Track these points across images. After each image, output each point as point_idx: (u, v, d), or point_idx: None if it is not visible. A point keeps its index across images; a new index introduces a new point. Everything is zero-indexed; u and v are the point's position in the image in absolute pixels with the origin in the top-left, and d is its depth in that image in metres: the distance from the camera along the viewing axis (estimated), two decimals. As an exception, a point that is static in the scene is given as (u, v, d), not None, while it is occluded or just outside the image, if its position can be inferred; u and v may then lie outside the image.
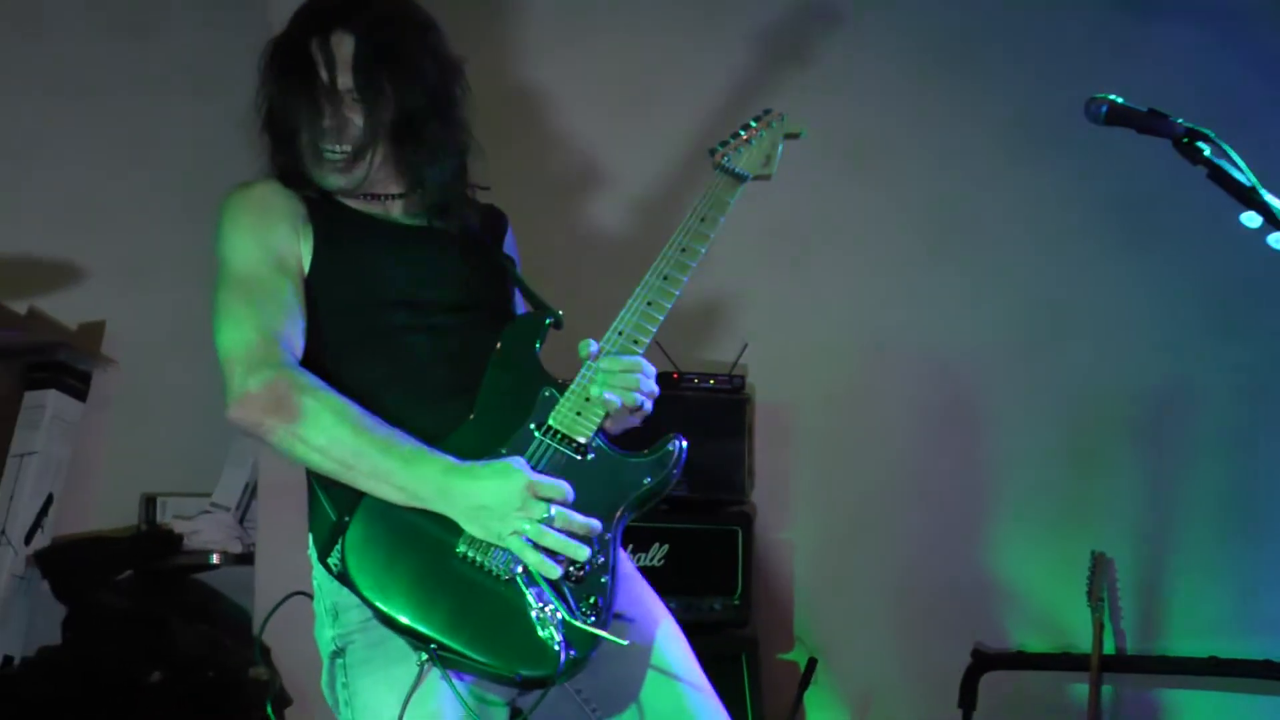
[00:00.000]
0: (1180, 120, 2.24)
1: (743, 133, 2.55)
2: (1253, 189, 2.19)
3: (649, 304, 2.33)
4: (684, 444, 2.31)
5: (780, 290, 4.12)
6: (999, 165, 4.15)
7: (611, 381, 2.27)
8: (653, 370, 2.32)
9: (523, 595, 2.15)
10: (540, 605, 2.14)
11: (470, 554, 2.18)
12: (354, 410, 2.20)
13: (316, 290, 2.35)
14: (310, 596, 2.31)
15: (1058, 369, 4.12)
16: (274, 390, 2.20)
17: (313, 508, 2.31)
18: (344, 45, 2.36)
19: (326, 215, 2.39)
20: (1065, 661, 3.97)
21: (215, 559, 4.40)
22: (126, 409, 4.61)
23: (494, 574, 2.17)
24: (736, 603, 3.75)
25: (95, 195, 4.65)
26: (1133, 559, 3.97)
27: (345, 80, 2.36)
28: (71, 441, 4.46)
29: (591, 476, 2.25)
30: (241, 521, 4.48)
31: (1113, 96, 2.27)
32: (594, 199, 4.15)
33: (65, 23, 4.66)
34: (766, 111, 2.58)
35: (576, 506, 2.21)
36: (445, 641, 2.13)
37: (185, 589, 4.45)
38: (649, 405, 2.32)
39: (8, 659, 4.22)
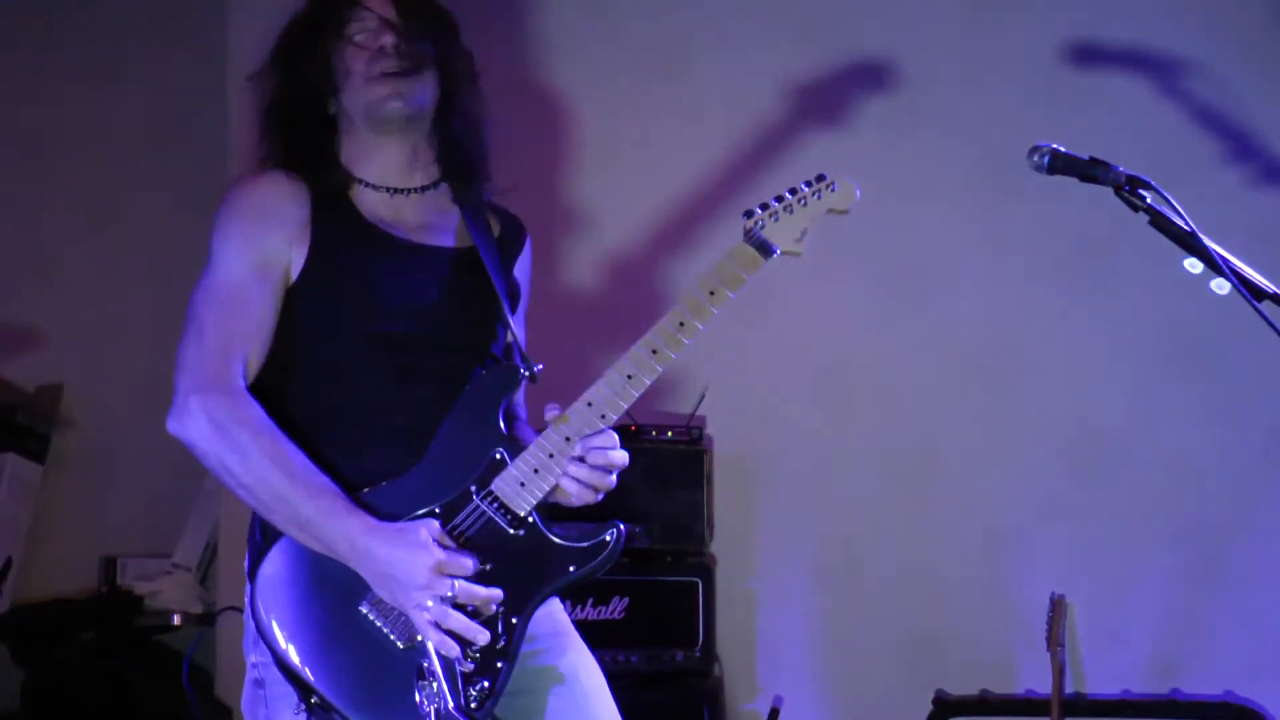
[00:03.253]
0: (1121, 168, 2.23)
1: (788, 196, 2.33)
2: (1193, 235, 2.20)
3: (629, 377, 2.24)
4: (621, 535, 2.24)
5: (739, 335, 3.98)
6: (958, 210, 4.14)
7: (579, 472, 2.21)
8: (622, 457, 2.25)
9: (414, 667, 2.13)
10: (428, 681, 2.11)
11: (374, 616, 2.17)
12: (287, 452, 2.17)
13: (298, 301, 2.31)
14: (241, 611, 2.29)
15: (1017, 411, 4.10)
16: (214, 416, 2.17)
17: (251, 523, 2.28)
18: (384, 4, 2.36)
19: (331, 220, 2.34)
20: (1027, 706, 3.92)
21: (176, 620, 4.36)
22: (86, 470, 4.58)
23: (392, 638, 2.16)
24: (698, 654, 3.75)
25: (56, 257, 4.63)
26: (1092, 601, 3.93)
27: (390, 15, 2.35)
28: (30, 504, 4.44)
29: (517, 554, 2.20)
30: (203, 582, 4.46)
31: (1054, 145, 2.26)
32: (577, 248, 4.16)
33: (24, 79, 4.65)
34: (819, 177, 2.36)
35: (491, 580, 2.17)
36: (328, 697, 2.12)
37: (147, 650, 4.41)
38: (612, 482, 2.26)
39: (-35, 725, 4.23)
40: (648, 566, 3.81)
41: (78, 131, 4.66)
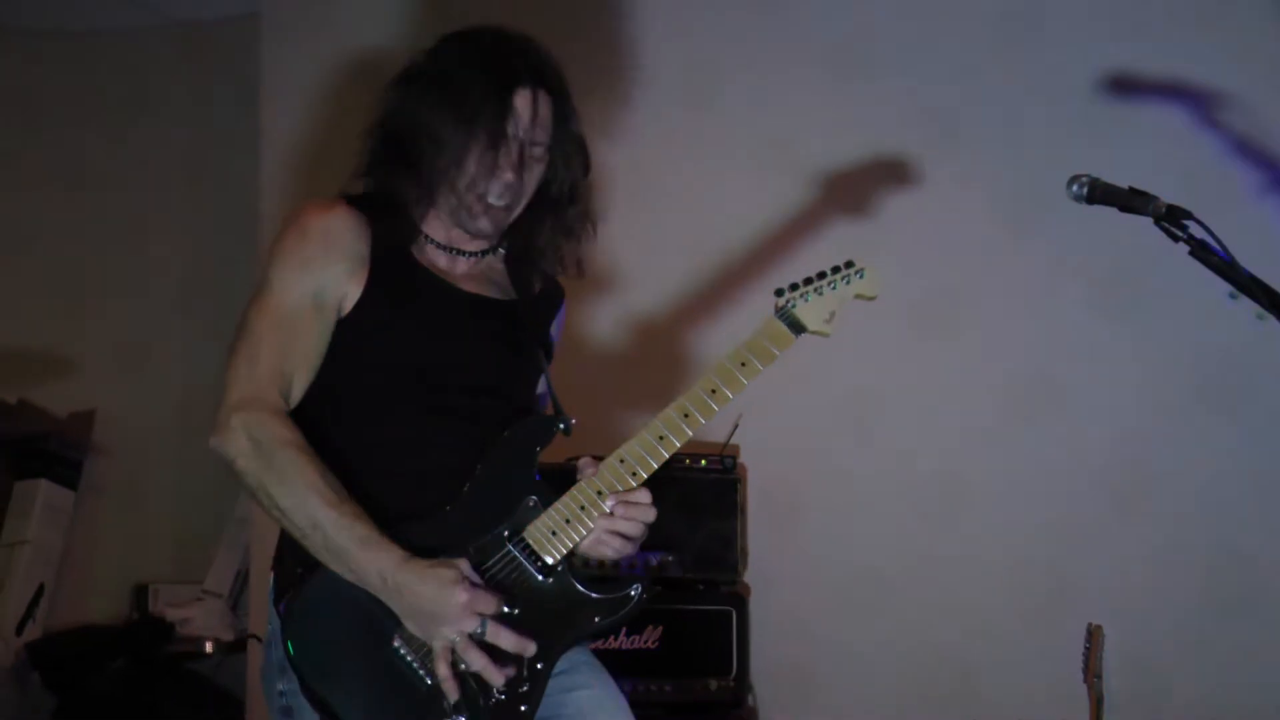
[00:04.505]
0: (1161, 199, 2.24)
1: (817, 280, 2.37)
2: (1233, 265, 2.20)
3: (660, 438, 2.27)
4: (643, 592, 2.26)
5: (774, 365, 3.89)
6: (991, 239, 4.09)
7: (609, 524, 2.24)
8: (651, 515, 2.27)
9: (439, 704, 2.12)
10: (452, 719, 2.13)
11: (404, 650, 2.16)
12: (326, 480, 2.16)
13: (348, 335, 2.30)
14: (261, 640, 2.33)
15: (1049, 440, 4.04)
16: (255, 435, 2.17)
17: (279, 548, 2.28)
18: (543, 105, 2.34)
19: (389, 261, 2.34)
20: (1063, 739, 3.89)
21: (208, 647, 4.35)
22: (118, 497, 4.58)
23: (422, 675, 2.15)
24: (732, 683, 3.72)
25: (89, 284, 4.69)
26: (1129, 632, 3.81)
27: (540, 136, 2.35)
28: (63, 530, 4.44)
29: (545, 601, 2.21)
30: (234, 609, 4.45)
31: (1093, 175, 2.27)
32: (602, 302, 4.14)
33: (62, 111, 4.74)
34: (849, 264, 2.41)
35: (516, 625, 2.17)
36: None
37: (178, 678, 4.39)
38: (638, 534, 2.28)
39: (-2, 752, 4.24)
40: (681, 596, 3.77)
41: (111, 163, 4.72)
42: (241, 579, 4.42)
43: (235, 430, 2.17)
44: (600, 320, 4.17)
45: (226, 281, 4.17)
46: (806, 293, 2.35)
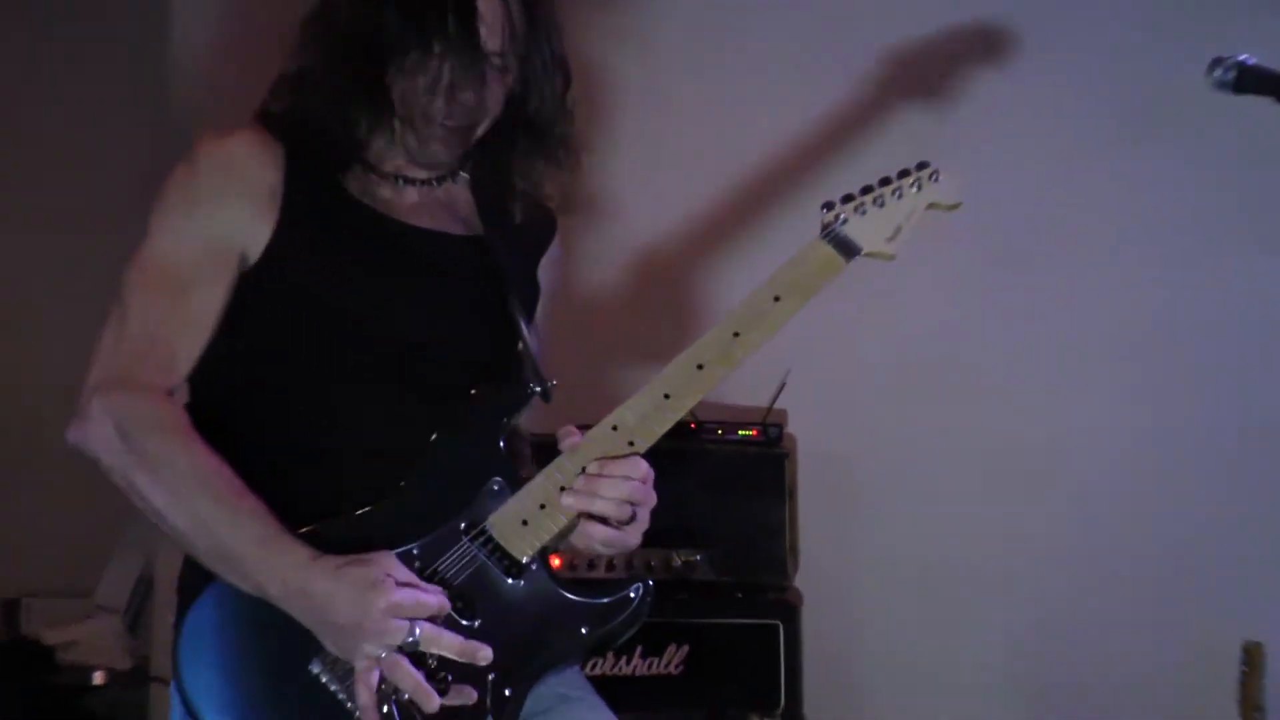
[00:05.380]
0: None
1: (878, 187, 2.32)
2: None
3: (667, 396, 2.21)
4: (648, 592, 2.22)
5: (831, 306, 3.77)
6: (1103, 159, 4.04)
7: (587, 495, 2.20)
8: (648, 477, 2.23)
9: None
10: None
11: (323, 676, 2.12)
12: (212, 468, 2.14)
13: (254, 289, 2.27)
14: (168, 683, 2.21)
15: (1175, 407, 4.00)
16: (121, 421, 2.15)
17: (183, 561, 2.25)
18: (514, 6, 2.35)
19: (309, 194, 2.30)
20: (1200, 784, 3.73)
21: (98, 678, 4.32)
22: (-15, 488, 4.58)
23: (349, 707, 2.11)
24: (780, 717, 3.64)
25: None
26: None
27: (494, 43, 2.33)
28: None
29: (515, 609, 2.19)
30: (133, 629, 4.40)
31: (1243, 57, 2.26)
32: (601, 239, 4.08)
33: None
34: (921, 165, 2.36)
35: (479, 639, 2.15)
36: None
37: (61, 717, 4.34)
38: (636, 535, 2.25)
39: None
40: (713, 605, 3.65)
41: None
42: (142, 591, 4.39)
43: (96, 418, 2.15)
44: (592, 255, 4.12)
45: (121, 245, 4.48)
46: (863, 204, 2.29)
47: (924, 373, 4.09)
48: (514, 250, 2.44)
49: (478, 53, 2.30)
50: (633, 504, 2.20)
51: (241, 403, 2.26)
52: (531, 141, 2.43)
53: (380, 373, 2.28)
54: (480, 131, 2.37)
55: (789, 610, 3.67)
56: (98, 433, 2.15)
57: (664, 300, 4.11)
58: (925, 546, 4.05)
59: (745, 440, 3.76)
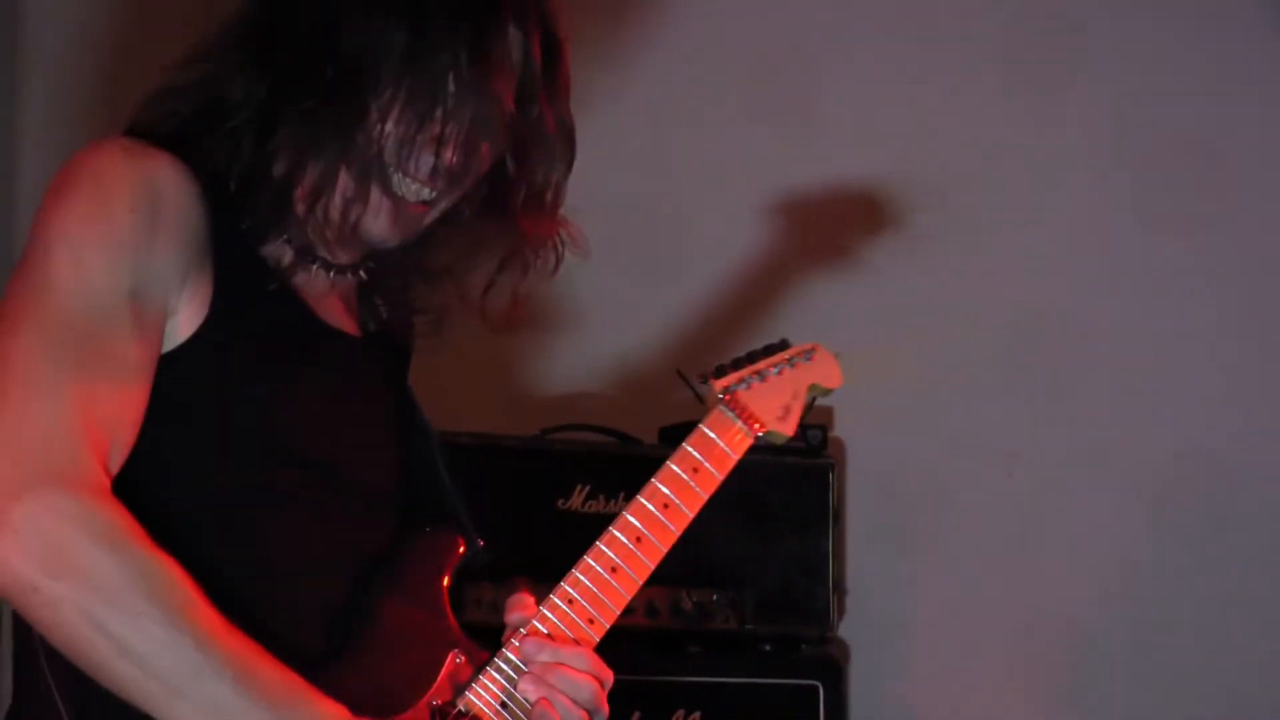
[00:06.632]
0: None
1: (759, 361, 2.35)
2: None
3: (613, 570, 2.17)
4: None
5: (887, 284, 3.69)
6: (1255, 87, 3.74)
7: (554, 687, 2.10)
8: (607, 680, 2.14)
9: None
10: None
11: None
12: (199, 594, 1.93)
13: (174, 374, 2.03)
14: None
15: None
16: (56, 528, 1.87)
17: (27, 691, 2.01)
18: (534, 53, 2.18)
19: (234, 262, 2.07)
20: None
21: None
22: None
23: None
24: None
25: None
26: None
27: (507, 86, 2.16)
28: None
29: None
30: None
31: None
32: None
33: None
34: (782, 343, 2.39)
35: None
36: None
37: None
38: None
39: None
40: (735, 661, 3.38)
41: None
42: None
43: (17, 528, 1.86)
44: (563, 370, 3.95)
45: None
46: (745, 378, 2.34)
47: (1015, 363, 3.77)
48: (398, 361, 2.35)
49: (488, 95, 2.09)
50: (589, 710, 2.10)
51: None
52: (507, 233, 2.20)
53: (299, 509, 2.10)
54: (440, 210, 2.14)
55: (832, 668, 3.43)
56: (24, 554, 1.84)
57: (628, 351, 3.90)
58: (1019, 587, 3.71)
59: (780, 450, 3.25)
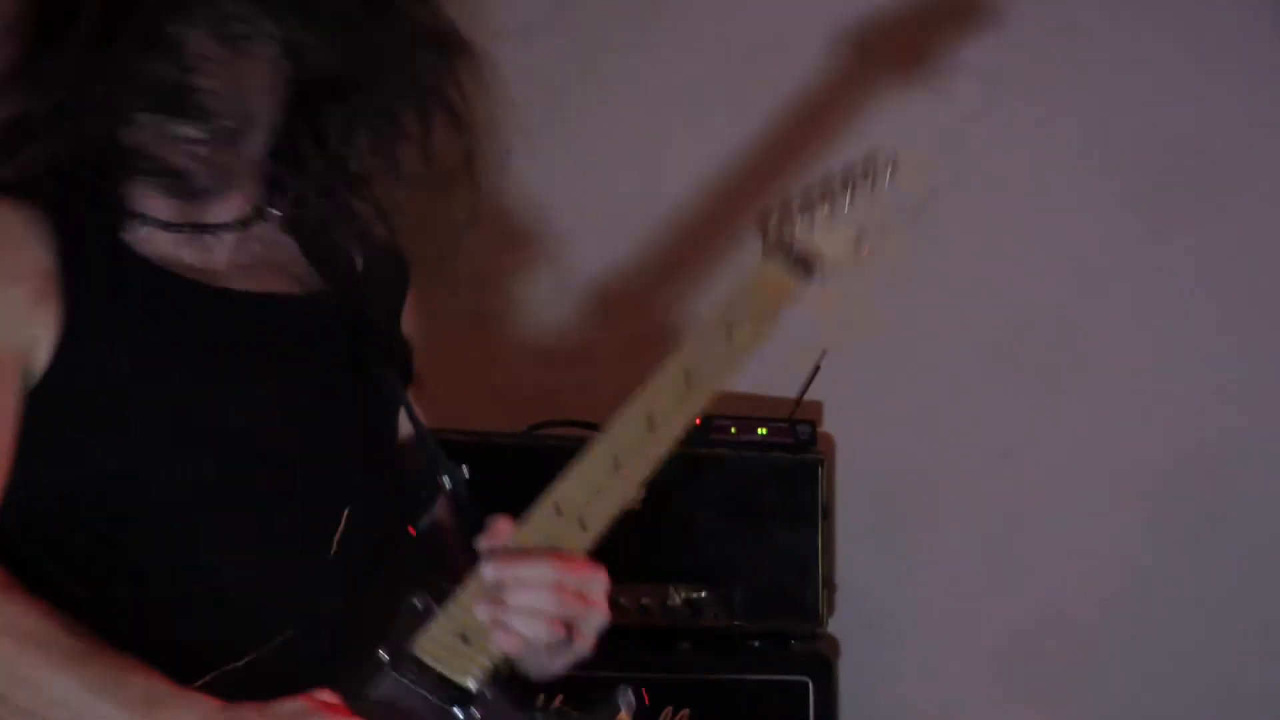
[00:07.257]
0: None
1: (822, 187, 2.25)
2: None
3: (616, 461, 2.08)
4: (634, 703, 2.06)
5: (880, 273, 3.60)
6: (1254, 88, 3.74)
7: (509, 607, 2.02)
8: (601, 583, 2.05)
9: None
10: None
11: None
12: (57, 624, 1.89)
13: (44, 408, 1.99)
14: None
15: None
16: None
17: None
18: None
19: (96, 271, 2.04)
20: None
21: None
22: None
23: None
24: None
25: None
26: None
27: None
28: None
29: None
30: None
31: None
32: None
33: None
34: (867, 159, 2.29)
35: None
36: None
37: None
38: (584, 645, 2.05)
39: None
40: (724, 658, 3.38)
41: None
42: None
43: None
44: (535, 296, 3.91)
45: None
46: (808, 209, 2.26)
47: (1013, 353, 3.75)
48: (369, 305, 2.25)
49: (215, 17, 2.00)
50: (566, 621, 1.99)
51: (65, 556, 2.00)
52: (352, 113, 2.11)
53: (228, 499, 2.07)
54: (250, 137, 2.06)
55: (822, 664, 3.42)
56: None
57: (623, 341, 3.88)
58: (1014, 586, 3.70)
59: (767, 441, 3.48)
